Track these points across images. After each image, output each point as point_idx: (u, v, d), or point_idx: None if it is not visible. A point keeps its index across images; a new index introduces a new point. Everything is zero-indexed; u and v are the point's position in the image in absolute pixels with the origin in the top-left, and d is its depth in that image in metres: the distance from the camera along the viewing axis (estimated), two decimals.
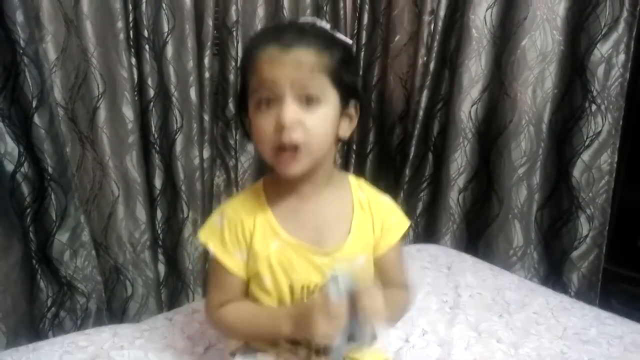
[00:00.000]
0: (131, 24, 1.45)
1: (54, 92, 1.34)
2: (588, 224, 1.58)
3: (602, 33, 1.49)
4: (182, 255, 1.63)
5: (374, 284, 0.79)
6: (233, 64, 1.65)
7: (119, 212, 1.48)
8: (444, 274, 1.43)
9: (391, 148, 2.05)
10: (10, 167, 1.28)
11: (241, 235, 0.86)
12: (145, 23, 1.46)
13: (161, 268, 1.63)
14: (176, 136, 1.57)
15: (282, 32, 0.80)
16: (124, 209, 1.49)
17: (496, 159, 1.69)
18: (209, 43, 1.59)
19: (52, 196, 1.34)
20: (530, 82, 1.60)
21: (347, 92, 0.82)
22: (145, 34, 1.47)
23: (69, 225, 1.38)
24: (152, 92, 1.51)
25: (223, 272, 0.87)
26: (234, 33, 1.63)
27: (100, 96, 1.40)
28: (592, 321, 1.22)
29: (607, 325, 1.21)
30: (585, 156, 1.56)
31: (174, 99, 1.54)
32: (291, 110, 0.76)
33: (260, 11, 1.69)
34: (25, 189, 1.31)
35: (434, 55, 1.81)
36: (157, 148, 1.55)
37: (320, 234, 0.86)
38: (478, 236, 1.76)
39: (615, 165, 1.53)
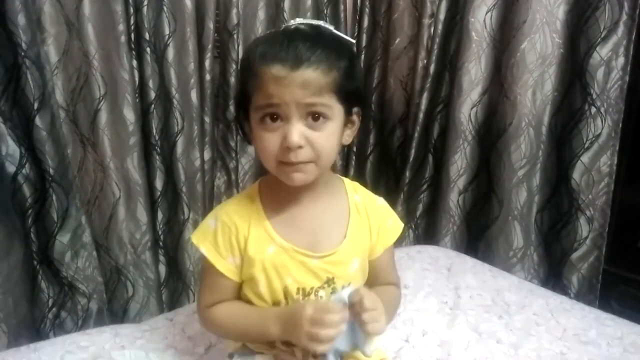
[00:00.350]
0: (132, 27, 1.45)
1: (56, 94, 1.35)
2: (588, 225, 1.58)
3: (602, 36, 1.50)
4: (182, 256, 1.64)
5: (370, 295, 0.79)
6: (234, 66, 1.66)
7: (120, 214, 1.49)
8: (444, 275, 1.44)
9: (391, 150, 2.05)
10: (11, 169, 1.28)
11: (235, 240, 0.85)
12: (146, 26, 1.47)
13: (162, 269, 1.63)
14: (177, 138, 1.57)
15: (288, 46, 0.75)
16: (125, 211, 1.49)
17: (496, 161, 1.70)
18: (209, 46, 1.60)
19: (54, 197, 1.35)
20: (530, 84, 1.60)
21: (352, 102, 0.82)
22: (147, 36, 1.48)
23: (70, 226, 1.38)
24: (153, 95, 1.52)
25: (215, 275, 0.86)
26: (235, 36, 1.64)
27: (101, 98, 1.41)
28: (592, 322, 1.23)
29: (607, 327, 1.21)
30: (585, 158, 1.56)
31: (175, 101, 1.55)
32: (298, 131, 0.75)
33: (261, 14, 1.70)
34: (26, 190, 1.31)
35: (434, 58, 1.81)
36: (158, 150, 1.56)
37: (316, 237, 0.86)
38: (478, 238, 1.77)
39: (614, 167, 1.54)
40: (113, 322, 1.42)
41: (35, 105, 1.28)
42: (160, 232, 1.61)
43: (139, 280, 1.54)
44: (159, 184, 1.58)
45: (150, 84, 1.51)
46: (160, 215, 1.60)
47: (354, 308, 0.76)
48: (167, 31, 1.50)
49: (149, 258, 1.55)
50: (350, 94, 0.80)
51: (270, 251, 0.85)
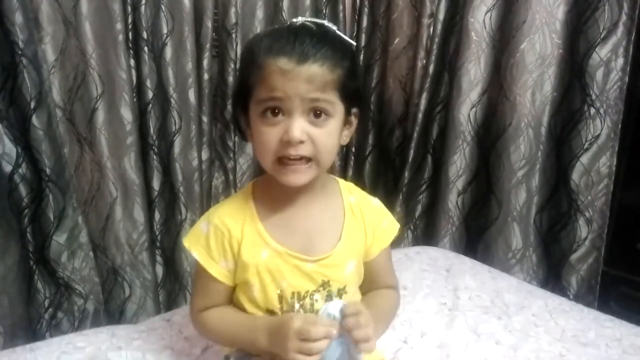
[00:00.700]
0: (130, 26, 1.44)
1: (53, 93, 1.34)
2: (587, 226, 1.58)
3: (601, 37, 1.50)
4: (180, 257, 1.63)
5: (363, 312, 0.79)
6: (232, 66, 1.65)
7: (117, 214, 1.48)
8: (442, 276, 1.43)
9: (390, 151, 2.05)
10: (8, 168, 1.28)
11: (228, 244, 0.84)
12: (144, 25, 1.46)
13: (159, 269, 1.62)
14: (174, 138, 1.56)
15: (295, 40, 0.75)
16: (122, 210, 1.48)
17: (495, 162, 1.69)
18: (208, 45, 1.59)
19: (50, 197, 1.34)
20: (530, 85, 1.60)
21: (352, 101, 0.81)
22: (144, 35, 1.47)
23: (67, 226, 1.38)
24: (150, 94, 1.51)
25: (207, 279, 0.86)
26: (233, 35, 1.63)
27: (98, 97, 1.40)
28: (591, 323, 1.22)
29: (606, 328, 1.21)
30: (584, 159, 1.56)
31: (172, 101, 1.54)
32: (300, 126, 0.75)
33: (260, 13, 1.70)
34: (23, 189, 1.30)
35: (433, 58, 1.81)
36: (156, 150, 1.55)
37: (310, 240, 0.85)
38: (477, 239, 1.76)
39: (614, 168, 1.54)
40: (110, 323, 1.42)
41: (32, 104, 1.27)
42: (157, 233, 1.61)
43: (135, 281, 1.54)
44: (156, 184, 1.57)
45: (148, 83, 1.50)
46: (157, 216, 1.60)
47: (347, 323, 0.76)
48: (165, 30, 1.49)
49: (146, 258, 1.54)
50: (352, 94, 0.80)
51: (264, 255, 0.84)
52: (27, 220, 1.33)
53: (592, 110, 1.53)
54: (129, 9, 1.43)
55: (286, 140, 0.75)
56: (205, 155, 1.66)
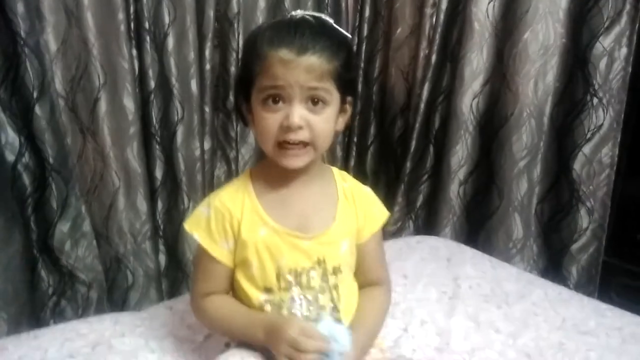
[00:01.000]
0: (132, 16, 1.44)
1: (55, 83, 1.34)
2: (588, 216, 1.58)
3: (605, 26, 1.49)
4: (182, 245, 1.63)
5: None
6: (234, 55, 1.65)
7: (119, 203, 1.49)
8: (443, 265, 1.44)
9: (392, 141, 2.05)
10: (11, 158, 1.28)
11: (229, 225, 0.88)
12: (146, 14, 1.46)
13: (162, 258, 1.63)
14: (177, 127, 1.57)
15: (295, 33, 0.80)
16: (124, 200, 1.49)
17: (497, 152, 1.69)
18: (209, 35, 1.59)
19: (53, 186, 1.35)
20: (532, 75, 1.59)
21: (347, 90, 0.87)
22: (146, 25, 1.47)
23: (70, 215, 1.39)
24: (152, 84, 1.51)
25: (209, 261, 0.89)
26: (235, 25, 1.62)
27: (100, 87, 1.41)
28: (591, 313, 1.23)
29: (606, 317, 1.21)
30: (586, 149, 1.56)
31: (174, 91, 1.54)
32: (299, 113, 0.80)
33: (262, 3, 1.69)
34: (26, 179, 1.31)
35: (435, 48, 1.80)
36: (158, 139, 1.56)
37: (306, 220, 0.89)
38: (478, 228, 1.76)
39: (616, 158, 1.54)
40: (113, 311, 1.42)
41: (35, 94, 1.27)
42: (160, 222, 1.61)
43: (138, 270, 1.55)
44: (158, 173, 1.58)
45: (150, 73, 1.50)
46: (160, 205, 1.60)
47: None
48: (167, 20, 1.49)
49: (149, 247, 1.55)
50: (347, 83, 0.86)
51: (262, 233, 0.87)
52: (30, 209, 1.34)
53: (595, 100, 1.53)
54: None
55: (286, 125, 0.80)
56: (207, 144, 1.67)
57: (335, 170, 0.98)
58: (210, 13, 1.57)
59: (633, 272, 1.58)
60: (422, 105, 1.85)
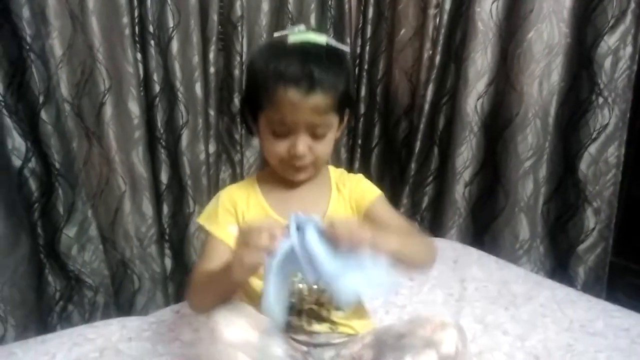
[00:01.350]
0: (136, 20, 1.45)
1: (61, 88, 1.35)
2: (595, 217, 1.57)
3: (609, 25, 1.48)
4: (188, 249, 1.64)
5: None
6: (238, 59, 1.65)
7: (125, 207, 1.49)
8: (450, 267, 1.43)
9: (397, 142, 2.04)
10: (17, 163, 1.29)
11: (234, 212, 0.96)
12: (150, 18, 1.46)
13: (168, 262, 1.64)
14: (182, 131, 1.57)
15: (303, 68, 0.83)
16: (130, 204, 1.50)
17: (502, 153, 1.68)
18: (214, 38, 1.59)
19: (60, 191, 1.35)
20: (537, 75, 1.59)
21: (345, 107, 0.93)
22: (151, 29, 1.47)
23: (77, 219, 1.39)
24: (157, 88, 1.51)
25: (213, 242, 0.94)
26: (239, 28, 1.63)
27: (106, 92, 1.41)
28: (599, 314, 1.22)
29: (614, 318, 1.21)
30: (592, 149, 1.55)
31: (179, 94, 1.54)
32: (304, 143, 0.88)
33: (265, 6, 1.69)
34: (32, 184, 1.32)
35: (439, 48, 1.80)
36: (163, 143, 1.56)
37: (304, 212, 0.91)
38: (484, 230, 1.76)
39: (622, 158, 1.53)
40: (120, 315, 1.43)
41: (41, 99, 1.28)
42: (165, 226, 1.62)
43: (145, 274, 1.55)
44: (164, 177, 1.58)
45: (155, 77, 1.50)
46: (165, 209, 1.61)
47: (336, 231, 0.73)
48: (171, 24, 1.49)
49: (155, 251, 1.55)
50: (347, 102, 0.92)
51: None
52: (37, 214, 1.34)
53: (600, 100, 1.52)
54: (135, 2, 1.43)
55: (292, 153, 0.88)
56: (212, 148, 1.67)
57: (331, 168, 1.05)
58: (214, 16, 1.58)
59: None
60: (427, 106, 1.85)
